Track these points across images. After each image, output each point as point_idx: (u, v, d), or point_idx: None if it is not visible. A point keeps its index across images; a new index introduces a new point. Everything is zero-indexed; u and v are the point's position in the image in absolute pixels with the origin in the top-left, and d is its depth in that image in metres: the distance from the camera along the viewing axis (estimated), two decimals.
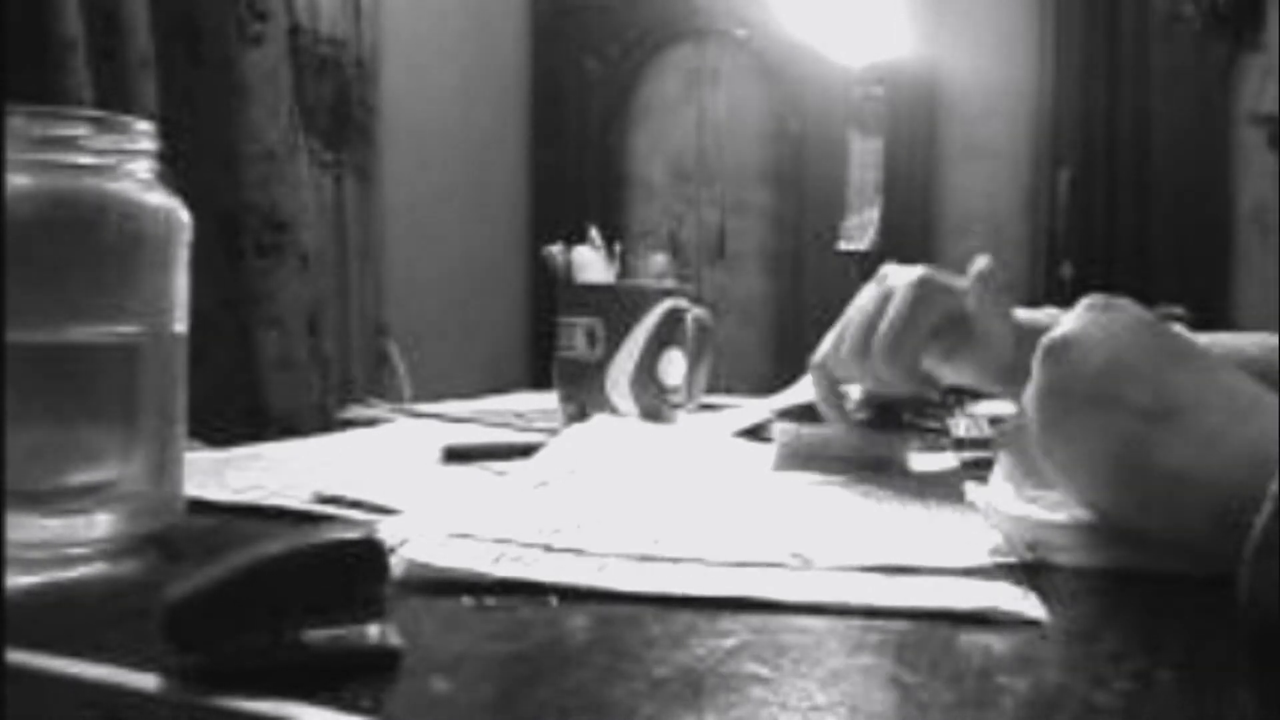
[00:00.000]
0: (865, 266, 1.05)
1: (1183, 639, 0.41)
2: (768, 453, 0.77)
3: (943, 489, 0.67)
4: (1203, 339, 0.67)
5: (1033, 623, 0.41)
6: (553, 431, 0.81)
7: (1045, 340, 0.51)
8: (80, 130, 0.47)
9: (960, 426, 0.84)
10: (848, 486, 0.68)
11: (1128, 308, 0.51)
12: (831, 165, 1.98)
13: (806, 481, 0.70)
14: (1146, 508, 0.48)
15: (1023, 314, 0.69)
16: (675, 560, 0.47)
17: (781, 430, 0.75)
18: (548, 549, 0.48)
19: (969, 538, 0.52)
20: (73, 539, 0.46)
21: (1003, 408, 0.81)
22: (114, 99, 1.51)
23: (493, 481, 0.65)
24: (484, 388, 1.25)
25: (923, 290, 0.67)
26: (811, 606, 0.42)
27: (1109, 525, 0.50)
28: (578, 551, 0.48)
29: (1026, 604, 0.42)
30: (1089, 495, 0.50)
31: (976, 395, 0.81)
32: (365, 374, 2.09)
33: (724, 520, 0.56)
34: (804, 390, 1.02)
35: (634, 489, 0.62)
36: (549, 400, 0.98)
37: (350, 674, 0.34)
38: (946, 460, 0.77)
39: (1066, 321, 0.51)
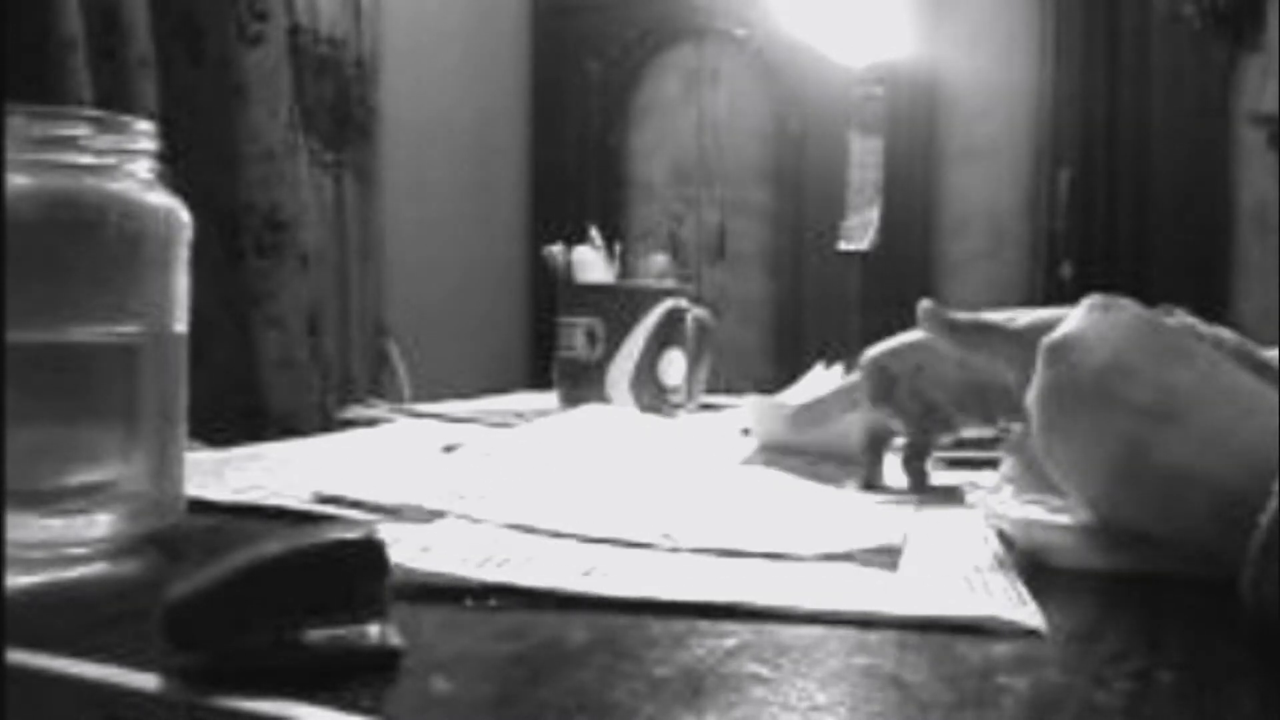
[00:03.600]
0: (865, 266, 1.05)
1: (1183, 640, 0.41)
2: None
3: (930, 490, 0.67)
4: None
5: (1032, 632, 0.41)
6: None
7: (1046, 340, 0.51)
8: (80, 130, 0.47)
9: None
10: (792, 473, 0.69)
11: (1129, 307, 0.51)
12: (831, 165, 1.98)
13: (761, 468, 0.70)
14: (1147, 507, 0.48)
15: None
16: (553, 534, 0.50)
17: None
18: (450, 515, 0.51)
19: (853, 523, 0.54)
20: (73, 539, 0.46)
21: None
22: (114, 99, 1.51)
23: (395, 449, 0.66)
24: (484, 388, 1.25)
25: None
26: (806, 615, 0.42)
27: (1110, 526, 0.50)
28: (470, 519, 0.51)
29: (1025, 612, 0.42)
30: (1090, 495, 0.50)
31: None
32: (365, 374, 2.09)
33: (605, 498, 0.58)
34: (810, 387, 1.02)
35: (544, 467, 0.64)
36: (549, 400, 0.98)
37: (350, 674, 0.34)
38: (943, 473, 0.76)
39: (1068, 321, 0.51)
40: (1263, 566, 0.38)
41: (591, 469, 0.64)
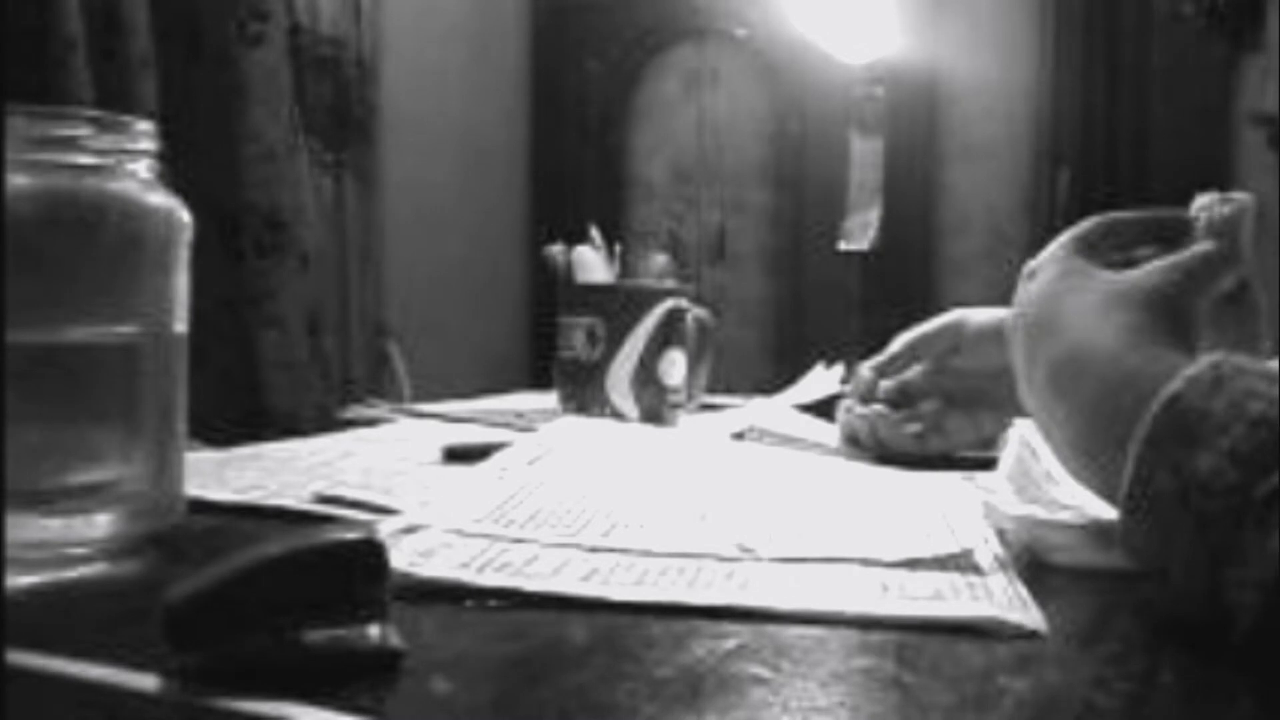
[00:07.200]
0: (865, 266, 1.05)
1: (1183, 640, 0.41)
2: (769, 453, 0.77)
3: (933, 484, 0.67)
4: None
5: (1032, 633, 0.40)
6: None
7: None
8: (80, 130, 0.47)
9: None
10: (821, 474, 0.69)
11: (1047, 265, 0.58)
12: (831, 165, 1.98)
13: (777, 468, 0.70)
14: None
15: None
16: (624, 551, 0.48)
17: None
18: (515, 541, 0.49)
19: (917, 528, 0.54)
20: (73, 539, 0.46)
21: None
22: (114, 99, 1.51)
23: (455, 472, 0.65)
24: (484, 388, 1.24)
25: None
26: (806, 616, 0.41)
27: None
28: (527, 542, 0.49)
29: (1025, 613, 0.42)
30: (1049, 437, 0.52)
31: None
32: (365, 374, 2.09)
33: (675, 512, 0.56)
34: (816, 385, 1.02)
35: (594, 481, 0.61)
36: (549, 400, 0.98)
37: (350, 674, 0.34)
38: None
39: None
40: (1129, 521, 0.41)
41: (634, 482, 0.63)
